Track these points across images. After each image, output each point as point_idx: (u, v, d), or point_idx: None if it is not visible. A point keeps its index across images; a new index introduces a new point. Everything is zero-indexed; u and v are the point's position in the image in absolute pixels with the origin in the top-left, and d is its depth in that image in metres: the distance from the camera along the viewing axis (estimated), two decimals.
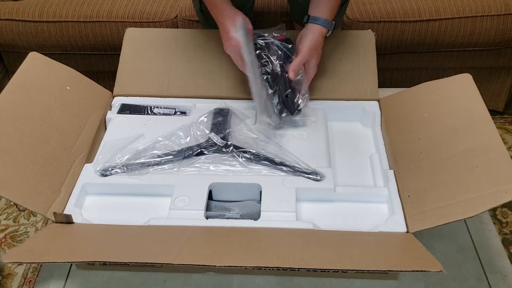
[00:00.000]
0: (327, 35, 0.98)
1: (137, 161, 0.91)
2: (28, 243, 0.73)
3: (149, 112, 1.02)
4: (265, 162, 0.89)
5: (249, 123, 0.99)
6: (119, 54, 1.08)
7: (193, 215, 0.81)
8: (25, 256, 0.69)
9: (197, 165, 0.89)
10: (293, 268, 0.64)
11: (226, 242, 0.72)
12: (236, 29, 0.91)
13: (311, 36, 0.95)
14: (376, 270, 0.64)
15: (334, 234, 0.77)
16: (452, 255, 0.83)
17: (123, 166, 0.90)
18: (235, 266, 0.64)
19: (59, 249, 0.70)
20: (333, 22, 0.97)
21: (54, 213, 0.78)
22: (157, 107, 1.02)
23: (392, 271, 0.74)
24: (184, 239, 0.72)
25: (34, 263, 0.85)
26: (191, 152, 0.91)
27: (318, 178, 0.86)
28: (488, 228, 0.88)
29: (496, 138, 0.78)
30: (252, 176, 0.88)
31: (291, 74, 0.92)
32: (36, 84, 0.92)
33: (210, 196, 0.87)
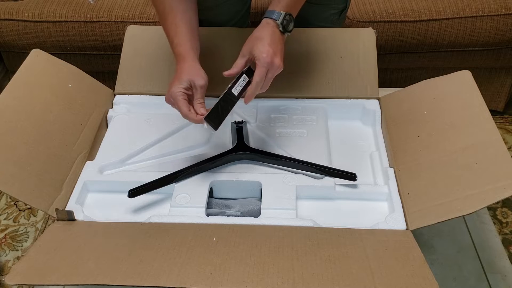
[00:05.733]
0: (281, 29, 0.84)
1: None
2: (31, 255, 0.72)
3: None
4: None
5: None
6: (119, 54, 1.08)
7: (193, 212, 0.81)
8: (29, 276, 0.68)
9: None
10: None
11: (226, 253, 0.71)
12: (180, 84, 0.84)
13: (254, 31, 0.85)
14: None
15: (332, 236, 0.77)
16: (452, 255, 0.83)
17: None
18: None
19: (62, 265, 0.70)
20: (282, 12, 0.85)
21: (56, 210, 0.79)
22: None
23: None
24: (185, 248, 0.72)
25: (38, 285, 0.85)
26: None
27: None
28: (488, 228, 0.88)
29: (495, 134, 0.78)
30: (253, 174, 0.88)
31: (226, 72, 0.84)
32: (38, 81, 0.92)
33: (211, 194, 0.87)
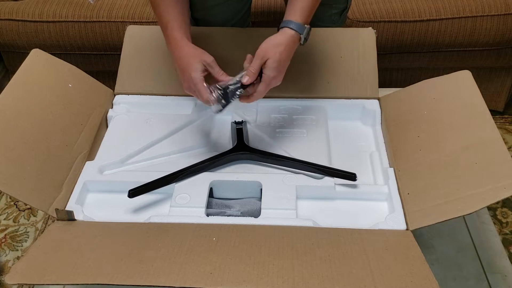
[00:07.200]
0: (301, 42, 0.87)
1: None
2: (31, 255, 0.72)
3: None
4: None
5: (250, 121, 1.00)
6: (119, 54, 1.08)
7: (193, 212, 0.81)
8: (29, 276, 0.68)
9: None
10: None
11: (226, 253, 0.71)
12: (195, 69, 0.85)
13: (273, 36, 0.85)
14: None
15: (332, 236, 0.77)
16: (452, 255, 0.83)
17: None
18: None
19: (62, 265, 0.70)
20: (306, 26, 0.86)
21: (56, 210, 0.79)
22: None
23: None
24: (185, 248, 0.72)
25: (38, 284, 0.85)
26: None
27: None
28: (488, 228, 0.88)
29: (495, 134, 0.78)
30: (253, 174, 0.88)
31: (245, 79, 0.83)
32: (38, 81, 0.92)
33: (210, 194, 0.87)
